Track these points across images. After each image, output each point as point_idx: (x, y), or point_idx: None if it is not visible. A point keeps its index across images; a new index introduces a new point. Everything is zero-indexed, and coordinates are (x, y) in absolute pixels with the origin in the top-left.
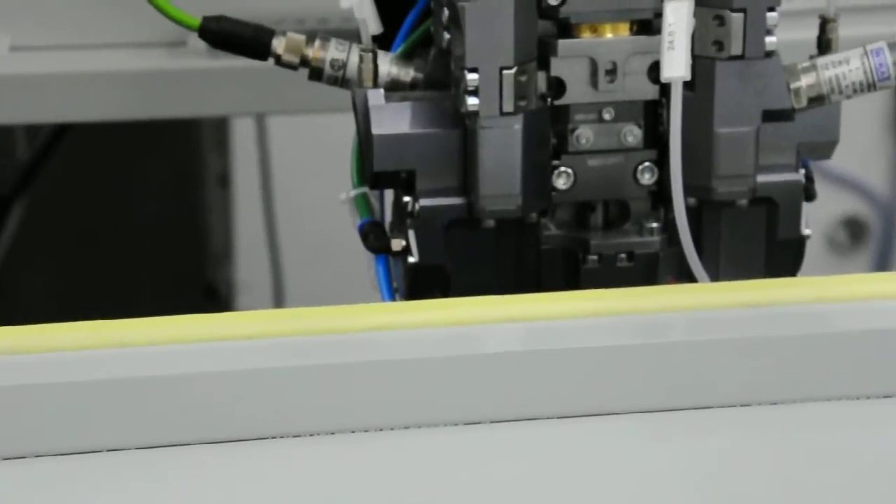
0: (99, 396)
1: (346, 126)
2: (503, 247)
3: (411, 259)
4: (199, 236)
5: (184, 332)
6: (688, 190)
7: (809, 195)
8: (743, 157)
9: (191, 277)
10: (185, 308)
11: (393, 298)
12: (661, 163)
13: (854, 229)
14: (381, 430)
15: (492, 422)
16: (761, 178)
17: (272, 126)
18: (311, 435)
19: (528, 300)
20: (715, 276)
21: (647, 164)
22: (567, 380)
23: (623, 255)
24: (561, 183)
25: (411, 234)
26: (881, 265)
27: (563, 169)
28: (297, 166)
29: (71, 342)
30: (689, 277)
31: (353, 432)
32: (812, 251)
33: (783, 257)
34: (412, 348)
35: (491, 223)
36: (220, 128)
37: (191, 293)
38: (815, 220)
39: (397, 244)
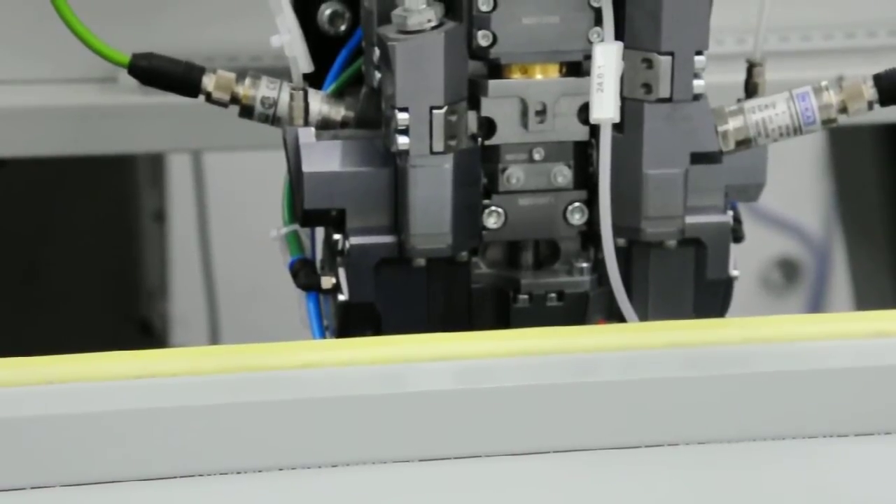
0: (29, 433)
1: (282, 162)
2: (434, 285)
3: (342, 297)
4: (135, 272)
5: (117, 368)
6: (617, 230)
7: (737, 237)
8: (671, 199)
9: (126, 313)
10: (120, 343)
11: (324, 335)
12: (591, 203)
13: (788, 270)
14: (309, 467)
15: (420, 460)
16: (690, 220)
17: (208, 162)
18: (239, 473)
19: (458, 339)
20: (644, 316)
21: (577, 204)
22: (496, 418)
23: (553, 295)
24: (491, 222)
25: (342, 272)
26: (815, 305)
27: (493, 208)
28: (233, 202)
29: (2, 378)
30: (619, 317)
31: (281, 470)
32: (747, 291)
33: (711, 298)
34: (342, 386)
35: (421, 262)
36: (155, 163)
37: (126, 328)
38: (750, 260)
39: (327, 282)
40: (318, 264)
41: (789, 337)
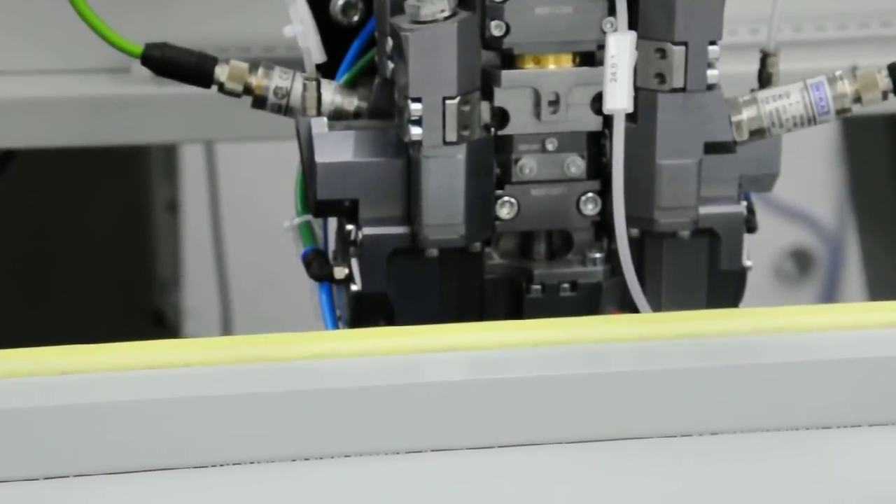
0: (42, 423)
1: (295, 153)
2: (446, 276)
3: (354, 287)
4: (148, 262)
5: (130, 358)
6: (630, 221)
7: (751, 227)
8: (685, 189)
9: (139, 304)
10: (133, 334)
11: (336, 326)
12: (605, 193)
13: (801, 260)
14: (322, 458)
15: (433, 450)
16: (703, 210)
17: (221, 152)
18: (252, 462)
19: (471, 329)
20: (657, 307)
21: (590, 194)
22: (509, 409)
23: (566, 285)
24: (504, 212)
25: (354, 262)
26: (829, 295)
27: (506, 198)
28: (246, 193)
29: (15, 368)
30: (632, 307)
31: (293, 461)
32: (760, 282)
33: (725, 288)
34: (355, 377)
35: (434, 252)
36: (168, 154)
37: (139, 319)
38: (763, 251)
39: (340, 272)
40: (330, 255)
41: (802, 327)
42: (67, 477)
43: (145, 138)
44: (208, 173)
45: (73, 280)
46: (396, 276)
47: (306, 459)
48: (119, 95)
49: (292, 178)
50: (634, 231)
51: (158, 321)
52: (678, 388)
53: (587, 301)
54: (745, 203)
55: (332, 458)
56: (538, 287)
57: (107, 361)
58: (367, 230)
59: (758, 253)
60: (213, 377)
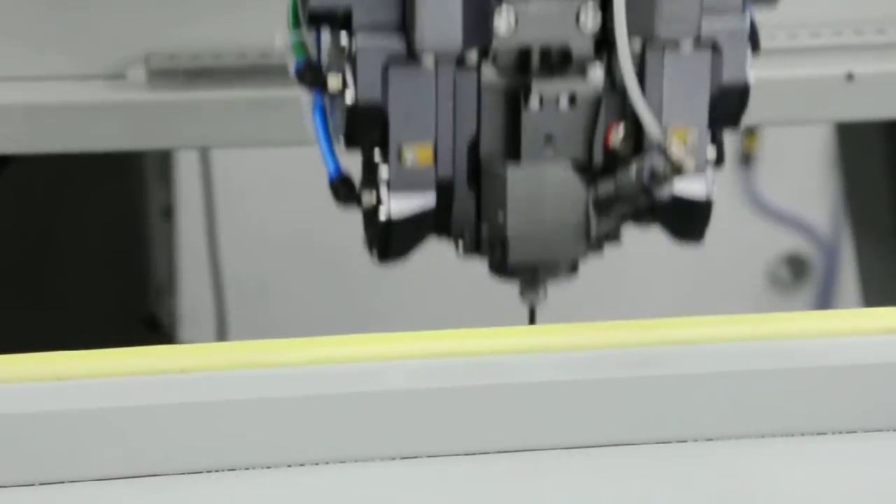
0: (37, 429)
1: (290, 160)
2: (442, 88)
3: (349, 101)
4: (143, 268)
5: (125, 364)
6: (631, 31)
7: (755, 44)
8: None
9: (134, 309)
10: (128, 340)
11: (330, 144)
12: (605, 5)
13: (796, 267)
14: (318, 463)
15: (429, 456)
16: (706, 23)
17: (216, 158)
18: (248, 468)
19: (467, 335)
20: (658, 121)
21: (589, 3)
22: (504, 414)
23: (565, 101)
24: (502, 24)
25: (349, 71)
26: (823, 302)
27: (504, 7)
28: (241, 198)
29: (10, 374)
30: (634, 120)
31: (290, 466)
32: (754, 288)
33: (727, 104)
34: (351, 381)
35: (430, 65)
36: (164, 160)
37: (134, 325)
38: (758, 257)
39: (334, 81)
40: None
41: (797, 334)
42: (63, 482)
43: (141, 144)
44: (203, 179)
45: (69, 285)
46: (392, 89)
47: (302, 465)
48: (114, 101)
49: (287, 183)
50: (635, 44)
51: (153, 326)
52: (672, 394)
53: (586, 116)
54: (748, 16)
55: (329, 463)
56: (537, 100)
57: (102, 367)
58: (362, 37)
59: (753, 259)
60: (209, 382)
